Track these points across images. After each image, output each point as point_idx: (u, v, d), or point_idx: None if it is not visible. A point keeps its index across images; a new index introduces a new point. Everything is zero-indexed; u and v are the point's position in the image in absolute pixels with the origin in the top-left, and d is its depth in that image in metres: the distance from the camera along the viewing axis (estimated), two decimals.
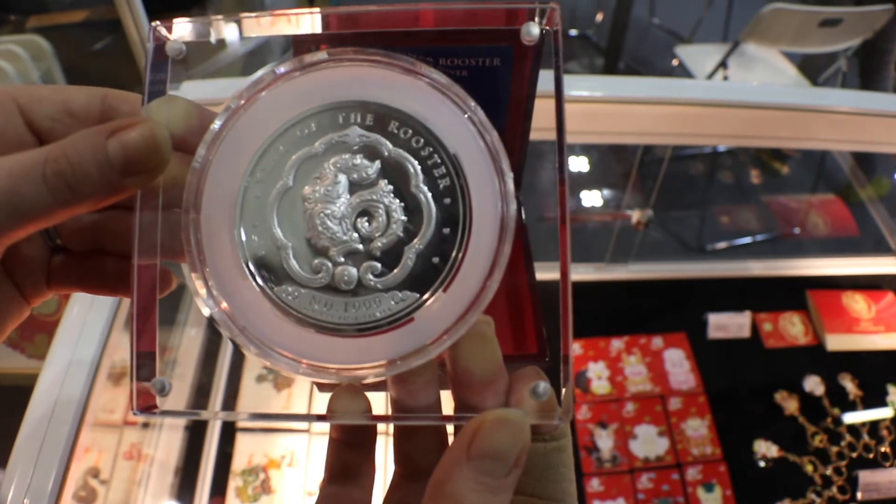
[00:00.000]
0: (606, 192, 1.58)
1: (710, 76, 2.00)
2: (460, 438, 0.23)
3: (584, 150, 1.70)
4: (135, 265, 0.25)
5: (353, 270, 0.26)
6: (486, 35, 0.29)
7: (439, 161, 0.26)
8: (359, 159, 0.26)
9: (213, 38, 0.27)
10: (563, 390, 0.25)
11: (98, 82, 0.29)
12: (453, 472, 0.22)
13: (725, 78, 1.98)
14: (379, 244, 0.26)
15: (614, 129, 0.89)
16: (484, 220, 0.26)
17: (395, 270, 0.26)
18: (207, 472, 0.88)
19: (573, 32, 3.03)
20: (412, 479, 0.27)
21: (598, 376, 1.09)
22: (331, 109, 0.26)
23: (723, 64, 1.98)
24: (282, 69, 0.27)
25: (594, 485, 0.98)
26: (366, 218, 0.26)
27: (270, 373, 0.96)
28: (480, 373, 0.25)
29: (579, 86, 0.83)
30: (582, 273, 1.21)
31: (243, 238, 0.26)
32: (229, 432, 0.91)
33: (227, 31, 0.27)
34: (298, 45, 0.33)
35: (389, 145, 0.26)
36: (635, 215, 1.22)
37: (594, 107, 0.84)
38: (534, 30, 0.27)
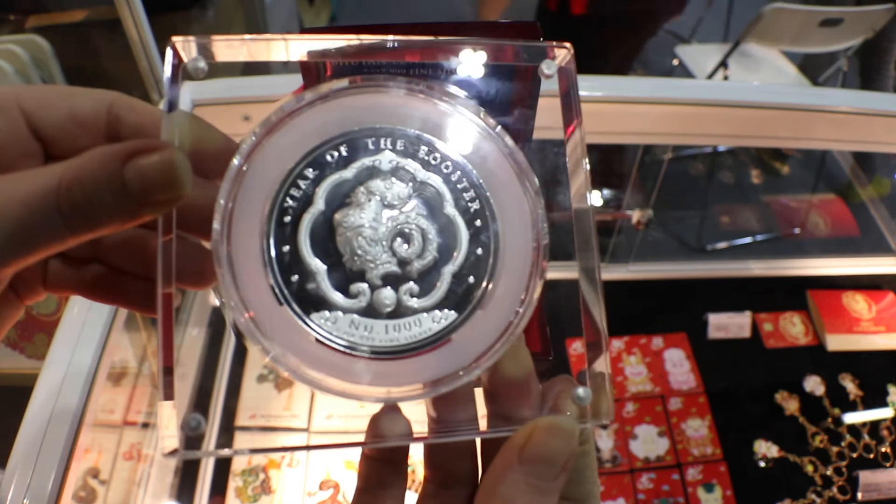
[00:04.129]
0: (606, 192, 1.58)
1: (711, 76, 2.00)
2: (512, 443, 0.24)
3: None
4: (160, 293, 0.24)
5: (393, 292, 0.26)
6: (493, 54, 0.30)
7: (468, 185, 0.27)
8: (391, 183, 0.27)
9: (239, 58, 0.27)
10: (606, 391, 0.27)
11: (98, 82, 0.28)
12: (506, 475, 0.24)
13: (726, 78, 1.98)
14: (416, 266, 0.26)
15: (614, 129, 0.89)
16: (515, 240, 0.27)
17: (433, 291, 0.26)
18: (207, 472, 0.88)
19: None
20: (444, 486, 0.28)
21: None
22: (361, 135, 0.27)
23: (723, 64, 1.97)
24: (305, 98, 0.27)
25: None
26: (402, 240, 0.26)
27: (271, 373, 0.96)
28: (515, 384, 0.26)
29: (579, 86, 0.83)
30: None
31: (275, 265, 0.25)
32: (228, 432, 0.91)
33: (249, 52, 0.27)
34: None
35: (421, 169, 0.27)
36: (635, 215, 1.21)
37: (594, 107, 0.84)
38: (547, 70, 0.28)
